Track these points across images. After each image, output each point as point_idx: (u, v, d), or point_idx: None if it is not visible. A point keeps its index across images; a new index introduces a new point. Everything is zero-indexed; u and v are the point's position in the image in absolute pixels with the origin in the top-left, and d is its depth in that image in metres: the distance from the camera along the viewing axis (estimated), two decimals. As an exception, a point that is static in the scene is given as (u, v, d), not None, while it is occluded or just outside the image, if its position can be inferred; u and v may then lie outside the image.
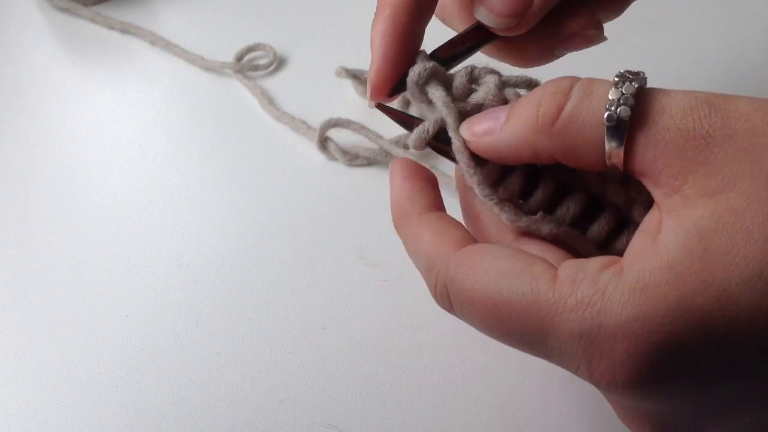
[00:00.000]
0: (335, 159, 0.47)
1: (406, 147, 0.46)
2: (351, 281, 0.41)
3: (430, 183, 0.30)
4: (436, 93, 0.29)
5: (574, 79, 0.26)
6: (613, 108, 0.24)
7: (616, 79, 0.25)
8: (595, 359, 0.24)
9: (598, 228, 0.28)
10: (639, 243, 0.24)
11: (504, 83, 0.29)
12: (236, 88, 0.53)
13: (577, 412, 0.35)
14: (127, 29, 0.57)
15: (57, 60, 0.57)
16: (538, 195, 0.28)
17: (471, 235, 0.28)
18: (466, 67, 0.30)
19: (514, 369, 0.36)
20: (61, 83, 0.55)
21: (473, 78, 0.30)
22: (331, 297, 0.40)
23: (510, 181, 0.28)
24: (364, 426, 0.35)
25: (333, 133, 0.47)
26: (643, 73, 0.25)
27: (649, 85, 0.25)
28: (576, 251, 0.28)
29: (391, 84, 0.31)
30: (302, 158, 0.48)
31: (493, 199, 0.28)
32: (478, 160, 0.28)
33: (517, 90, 0.29)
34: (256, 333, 0.39)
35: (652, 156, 0.24)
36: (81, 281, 0.42)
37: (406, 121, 0.31)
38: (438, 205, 0.30)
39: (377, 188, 0.46)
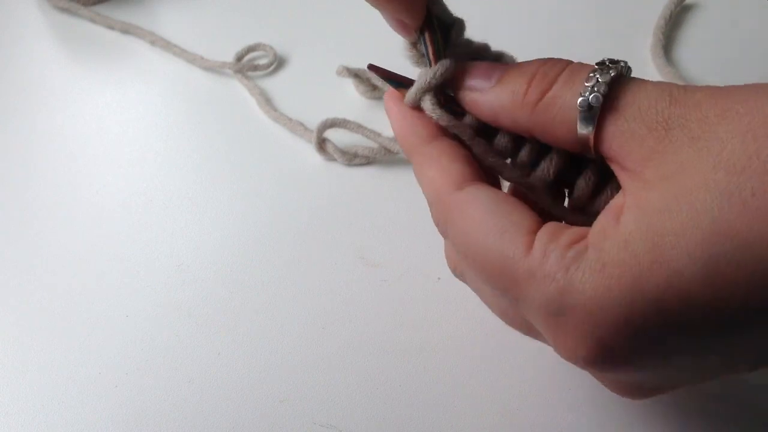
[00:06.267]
0: (334, 159, 0.47)
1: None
2: (351, 281, 0.41)
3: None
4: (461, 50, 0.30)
5: (566, 63, 0.27)
6: (586, 94, 0.25)
7: (596, 66, 0.26)
8: (559, 334, 0.25)
9: (584, 183, 0.28)
10: (603, 222, 0.25)
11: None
12: (236, 88, 0.53)
13: (577, 412, 0.35)
14: (127, 29, 0.57)
15: (57, 60, 0.57)
16: (524, 150, 0.29)
17: (471, 167, 0.29)
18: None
19: (514, 369, 0.36)
20: (61, 83, 0.55)
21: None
22: (331, 297, 0.40)
23: (498, 140, 0.30)
24: (364, 426, 0.35)
25: (331, 133, 0.47)
26: (625, 62, 0.27)
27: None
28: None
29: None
30: (302, 158, 0.48)
31: (465, 135, 0.30)
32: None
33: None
34: (256, 333, 0.39)
35: (619, 143, 0.25)
36: (81, 281, 0.42)
37: (396, 80, 0.32)
38: (438, 133, 0.31)
39: (377, 187, 0.46)
